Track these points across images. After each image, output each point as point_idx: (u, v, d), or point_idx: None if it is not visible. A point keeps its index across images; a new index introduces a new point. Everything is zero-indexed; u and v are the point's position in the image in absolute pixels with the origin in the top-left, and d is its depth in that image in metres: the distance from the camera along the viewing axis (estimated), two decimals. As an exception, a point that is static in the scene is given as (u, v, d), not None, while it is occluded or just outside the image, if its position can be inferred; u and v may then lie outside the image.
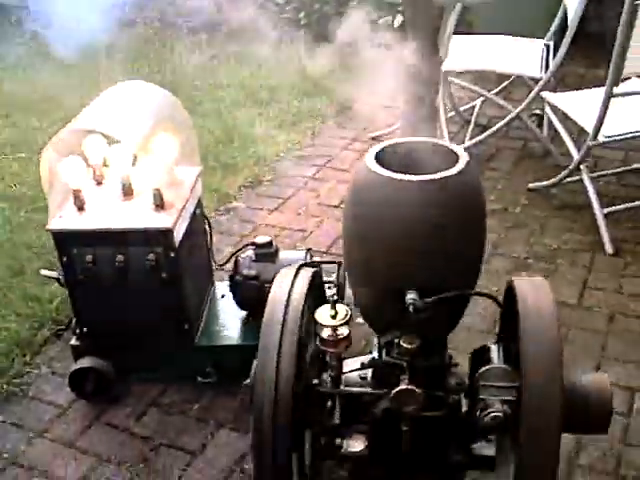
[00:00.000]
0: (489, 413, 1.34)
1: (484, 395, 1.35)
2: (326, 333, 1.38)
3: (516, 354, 1.36)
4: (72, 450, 2.19)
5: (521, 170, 3.49)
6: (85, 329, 2.26)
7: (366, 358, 1.46)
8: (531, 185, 3.27)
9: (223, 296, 2.49)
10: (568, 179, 3.12)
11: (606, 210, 2.90)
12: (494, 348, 1.46)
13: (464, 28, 3.96)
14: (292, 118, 4.11)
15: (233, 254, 2.37)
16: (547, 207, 3.18)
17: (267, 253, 2.27)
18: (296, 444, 1.43)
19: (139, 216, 2.12)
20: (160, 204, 2.13)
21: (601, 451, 2.08)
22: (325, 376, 1.43)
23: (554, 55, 3.26)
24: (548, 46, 3.50)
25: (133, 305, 2.20)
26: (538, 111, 3.73)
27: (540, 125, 3.66)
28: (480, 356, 1.44)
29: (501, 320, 1.48)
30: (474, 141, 3.50)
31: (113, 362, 2.29)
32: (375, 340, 1.44)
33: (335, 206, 3.28)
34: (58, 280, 2.31)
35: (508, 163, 3.57)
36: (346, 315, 1.37)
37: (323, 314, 1.38)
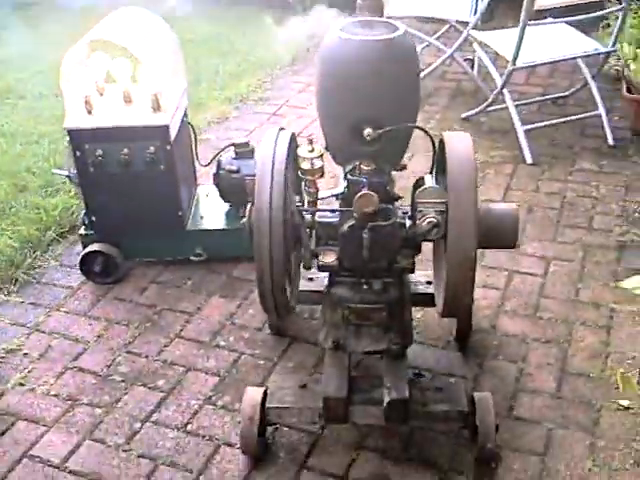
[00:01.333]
0: (425, 220, 1.82)
1: (422, 208, 1.84)
2: (305, 165, 1.84)
3: (445, 181, 1.85)
4: (86, 318, 2.64)
5: (455, 104, 4.01)
6: (94, 218, 2.70)
7: (336, 190, 1.93)
8: (463, 115, 3.79)
9: (207, 195, 2.94)
10: (495, 107, 3.65)
11: (525, 127, 3.43)
12: (429, 177, 1.93)
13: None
14: (252, 66, 4.56)
15: (215, 155, 2.82)
16: (478, 132, 3.70)
17: (245, 151, 2.73)
18: (286, 260, 1.89)
19: (140, 116, 2.56)
20: (157, 107, 2.56)
21: (522, 301, 2.61)
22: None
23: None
24: (479, -5, 3.99)
25: (135, 194, 2.64)
26: (470, 56, 4.24)
27: (472, 67, 4.17)
28: (419, 183, 1.92)
29: (434, 158, 1.96)
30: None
31: (117, 247, 2.73)
32: (341, 174, 1.91)
33: (295, 135, 3.74)
34: (68, 177, 2.73)
35: (444, 99, 4.09)
36: (320, 151, 1.84)
37: (303, 150, 1.85)
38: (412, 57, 1.81)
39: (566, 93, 3.83)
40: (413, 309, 2.39)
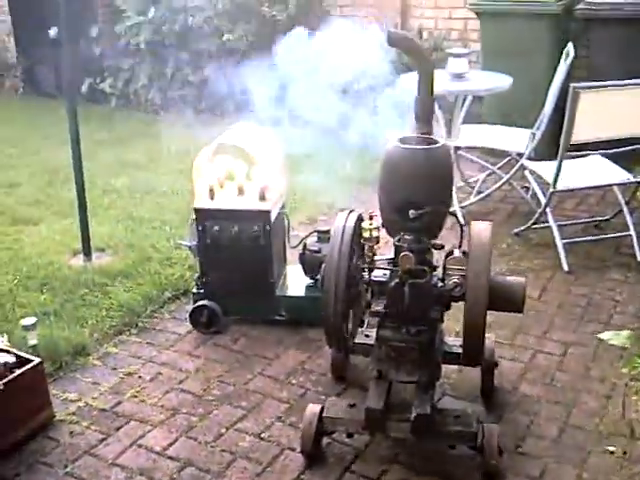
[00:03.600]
0: (451, 280, 2.47)
1: (449, 272, 2.49)
2: (366, 234, 2.54)
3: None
4: (189, 356, 3.34)
5: (510, 223, 4.66)
6: (204, 279, 3.45)
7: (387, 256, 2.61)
8: (515, 230, 4.45)
9: (294, 271, 3.67)
10: (542, 225, 4.29)
11: (564, 241, 4.05)
12: (457, 250, 2.58)
13: (475, 119, 5.29)
14: (340, 181, 5.38)
15: (302, 239, 3.55)
16: (525, 244, 4.34)
17: (326, 237, 3.45)
18: (347, 307, 2.56)
19: (249, 203, 3.35)
20: (262, 197, 3.36)
21: (541, 373, 3.16)
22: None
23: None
24: (534, 134, 4.71)
25: (239, 263, 3.39)
26: (528, 184, 4.93)
27: (528, 193, 4.86)
28: (449, 254, 2.57)
29: (461, 237, 2.62)
30: (475, 200, 4.74)
31: (220, 304, 3.46)
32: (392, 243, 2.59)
33: (371, 236, 4.47)
34: (189, 247, 3.51)
35: (501, 217, 4.76)
36: (377, 226, 2.54)
37: (365, 224, 2.55)
38: (446, 162, 2.53)
39: (606, 217, 4.45)
40: (450, 368, 3.02)
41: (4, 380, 2.75)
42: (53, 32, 3.82)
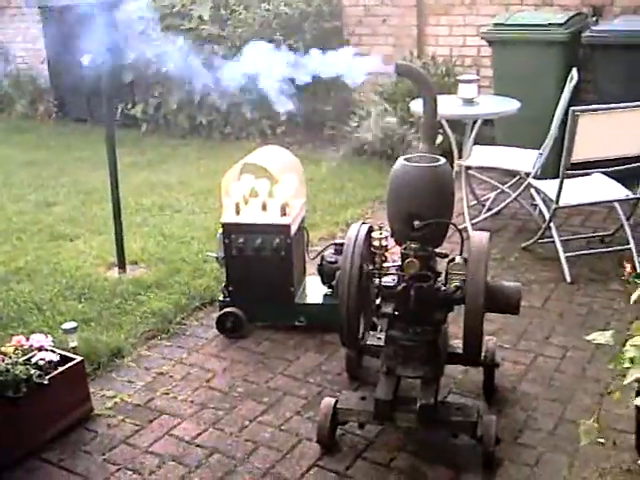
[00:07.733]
0: (452, 284, 2.74)
1: (451, 276, 2.77)
2: (376, 243, 2.82)
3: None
4: (216, 358, 3.63)
5: (519, 237, 4.92)
6: (231, 288, 3.75)
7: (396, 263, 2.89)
8: (523, 244, 4.71)
9: (312, 281, 3.95)
10: (548, 240, 4.54)
11: (568, 254, 4.31)
12: (458, 257, 2.84)
13: (487, 141, 5.58)
14: (357, 200, 5.68)
15: (320, 252, 3.85)
16: (532, 258, 4.60)
17: (342, 249, 3.73)
18: (359, 310, 2.84)
19: (271, 218, 3.66)
20: (284, 213, 3.66)
21: (541, 373, 3.41)
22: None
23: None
24: (541, 154, 4.97)
25: (262, 272, 3.68)
26: (536, 202, 5.19)
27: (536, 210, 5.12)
28: (451, 261, 2.84)
29: (461, 245, 2.90)
30: (485, 216, 5.01)
31: (244, 311, 3.75)
32: (398, 250, 2.87)
33: (386, 251, 4.75)
34: (216, 258, 3.82)
35: (510, 233, 5.02)
36: (386, 235, 2.82)
37: (375, 234, 2.83)
38: (447, 178, 2.81)
39: (608, 233, 4.70)
40: (457, 369, 3.28)
41: (49, 376, 3.05)
42: (87, 60, 4.15)
